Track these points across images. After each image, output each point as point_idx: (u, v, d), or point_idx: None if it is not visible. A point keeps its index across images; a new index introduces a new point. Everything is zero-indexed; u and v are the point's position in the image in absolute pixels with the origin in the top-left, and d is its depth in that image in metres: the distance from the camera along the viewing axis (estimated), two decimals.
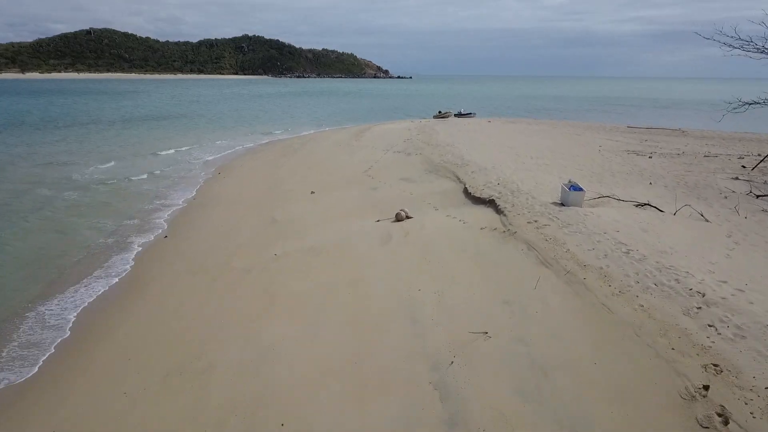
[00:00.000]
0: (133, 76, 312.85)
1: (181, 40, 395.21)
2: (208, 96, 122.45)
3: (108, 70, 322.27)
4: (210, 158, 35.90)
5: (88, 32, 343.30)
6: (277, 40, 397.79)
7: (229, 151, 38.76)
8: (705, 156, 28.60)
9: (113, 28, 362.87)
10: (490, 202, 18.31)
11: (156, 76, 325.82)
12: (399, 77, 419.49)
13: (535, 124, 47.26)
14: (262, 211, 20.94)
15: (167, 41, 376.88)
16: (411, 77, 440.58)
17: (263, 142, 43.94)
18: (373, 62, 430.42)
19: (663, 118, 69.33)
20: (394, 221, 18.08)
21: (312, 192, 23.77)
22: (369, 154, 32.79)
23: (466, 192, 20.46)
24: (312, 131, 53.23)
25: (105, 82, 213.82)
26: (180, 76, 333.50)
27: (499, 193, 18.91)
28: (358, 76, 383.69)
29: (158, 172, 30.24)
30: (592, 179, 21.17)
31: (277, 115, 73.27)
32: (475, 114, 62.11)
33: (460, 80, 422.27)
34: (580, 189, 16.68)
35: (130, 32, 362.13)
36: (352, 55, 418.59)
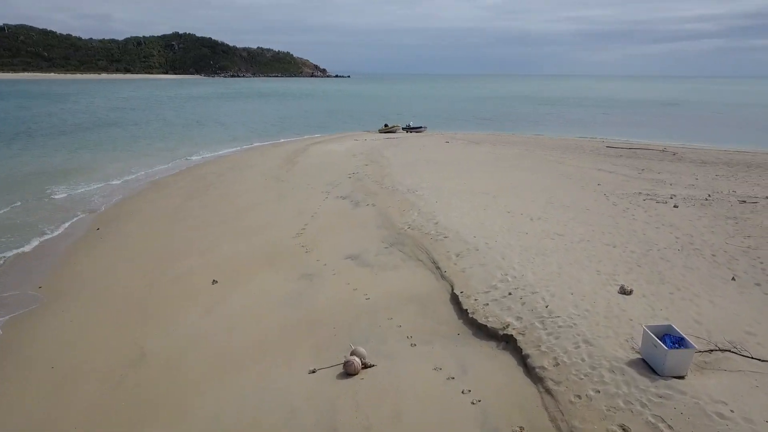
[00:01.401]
0: (52, 76, 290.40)
1: (110, 37, 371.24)
2: (135, 101, 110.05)
3: (24, 70, 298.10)
4: (98, 200, 26.83)
5: (1, 29, 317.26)
6: (210, 38, 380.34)
7: (135, 183, 29.53)
8: (741, 201, 22.02)
9: (35, 25, 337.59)
10: (507, 340, 10.68)
11: (78, 76, 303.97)
12: (337, 76, 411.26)
13: (503, 145, 40.24)
14: (127, 333, 12.64)
15: (90, 39, 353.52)
16: (349, 76, 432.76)
17: (173, 171, 34.63)
18: (311, 61, 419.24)
19: (624, 125, 64.27)
20: (342, 375, 10.31)
21: (214, 281, 15.56)
22: (304, 198, 24.69)
23: (454, 300, 12.76)
24: (238, 149, 44.39)
25: (19, 83, 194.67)
26: (105, 76, 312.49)
27: (518, 317, 11.28)
28: (295, 75, 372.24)
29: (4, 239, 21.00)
30: (641, 269, 13.87)
31: (208, 126, 63.55)
32: (425, 128, 54.80)
33: (400, 79, 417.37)
34: (680, 338, 9.19)
35: (50, 29, 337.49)
36: (288, 53, 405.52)
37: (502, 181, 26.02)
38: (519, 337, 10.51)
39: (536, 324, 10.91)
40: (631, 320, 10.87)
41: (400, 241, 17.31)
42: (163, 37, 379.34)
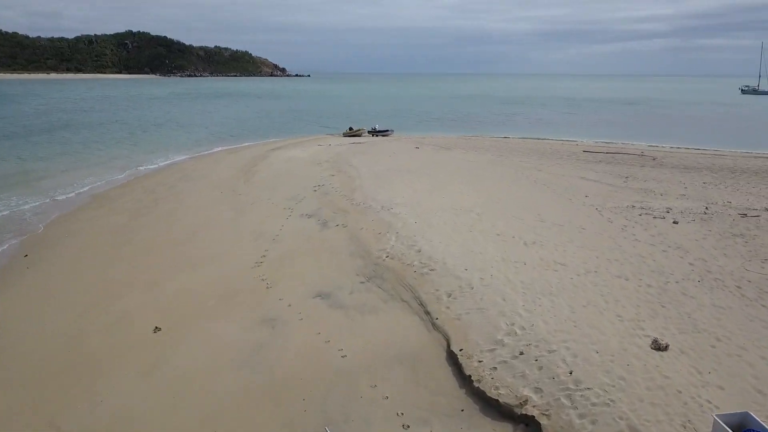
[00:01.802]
0: None
1: (60, 36, 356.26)
2: (88, 101, 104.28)
3: None
4: (33, 218, 23.50)
5: None
6: (165, 37, 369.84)
7: (78, 197, 26.23)
8: (741, 215, 20.37)
9: None
10: (526, 422, 8.36)
11: (26, 75, 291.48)
12: (297, 75, 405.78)
13: (476, 151, 38.16)
14: (42, 409, 9.97)
15: (39, 37, 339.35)
16: (309, 75, 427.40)
17: (122, 182, 31.25)
18: (270, 60, 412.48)
19: (591, 125, 63.29)
20: None
21: (157, 329, 12.89)
22: (264, 215, 22.04)
23: (452, 360, 10.42)
24: (195, 154, 41.23)
25: None
26: (54, 75, 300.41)
27: (537, 388, 9.01)
28: (254, 75, 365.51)
29: None
30: (667, 311, 11.81)
31: (165, 128, 59.68)
32: (392, 131, 52.49)
33: (360, 78, 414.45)
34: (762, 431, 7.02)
35: None
36: (246, 52, 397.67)
37: (483, 193, 23.84)
38: (543, 421, 8.21)
39: (562, 400, 8.63)
40: (680, 392, 8.71)
41: (379, 274, 14.88)
42: (116, 35, 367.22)
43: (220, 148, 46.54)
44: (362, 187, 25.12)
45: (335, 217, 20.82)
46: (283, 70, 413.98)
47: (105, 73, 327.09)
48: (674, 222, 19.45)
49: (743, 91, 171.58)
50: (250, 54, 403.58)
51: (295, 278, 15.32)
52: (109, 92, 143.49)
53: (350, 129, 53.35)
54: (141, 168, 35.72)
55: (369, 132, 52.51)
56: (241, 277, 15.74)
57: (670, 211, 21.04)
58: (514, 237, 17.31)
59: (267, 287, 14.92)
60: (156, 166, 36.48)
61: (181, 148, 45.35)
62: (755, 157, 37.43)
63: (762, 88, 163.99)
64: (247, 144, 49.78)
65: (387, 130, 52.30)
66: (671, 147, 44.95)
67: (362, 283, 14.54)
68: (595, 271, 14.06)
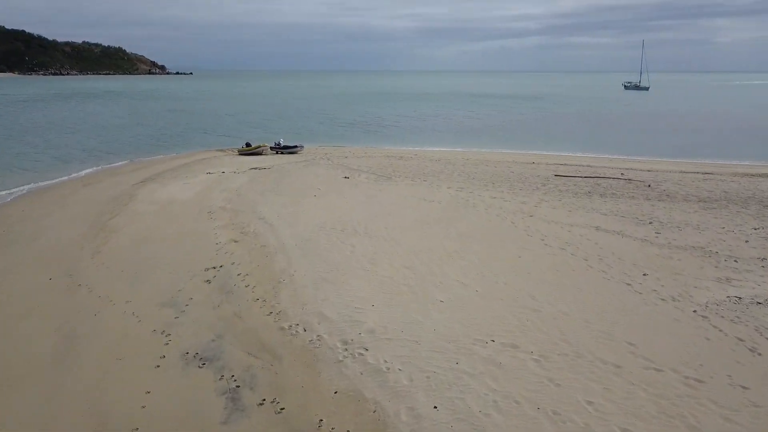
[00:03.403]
0: None
1: None
2: None
3: None
4: None
5: None
6: (23, 31, 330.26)
7: None
8: None
9: None
10: None
11: None
12: (178, 73, 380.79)
13: (426, 181, 28.81)
14: None
15: None
16: (191, 73, 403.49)
17: None
18: (147, 57, 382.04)
19: (519, 130, 56.86)
20: None
21: None
22: (114, 353, 11.57)
23: None
24: (31, 188, 28.88)
25: None
26: None
27: None
28: (130, 73, 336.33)
29: None
30: None
31: (12, 143, 45.24)
32: (301, 147, 42.23)
33: (245, 76, 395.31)
34: None
35: None
36: (120, 49, 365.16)
37: (486, 283, 14.55)
38: None
39: None
40: None
41: None
42: None
43: (74, 175, 34.62)
44: (291, 276, 15.00)
45: (253, 371, 10.71)
46: (162, 67, 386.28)
47: None
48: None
49: (626, 87, 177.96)
50: (125, 50, 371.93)
51: None
52: None
53: (247, 145, 42.44)
54: None
55: (272, 149, 41.93)
56: None
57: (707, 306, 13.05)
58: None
59: None
60: None
61: (16, 176, 32.90)
62: (751, 175, 31.34)
63: (643, 84, 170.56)
64: (114, 165, 37.84)
65: (295, 146, 41.96)
66: (638, 160, 38.64)
67: None
68: None
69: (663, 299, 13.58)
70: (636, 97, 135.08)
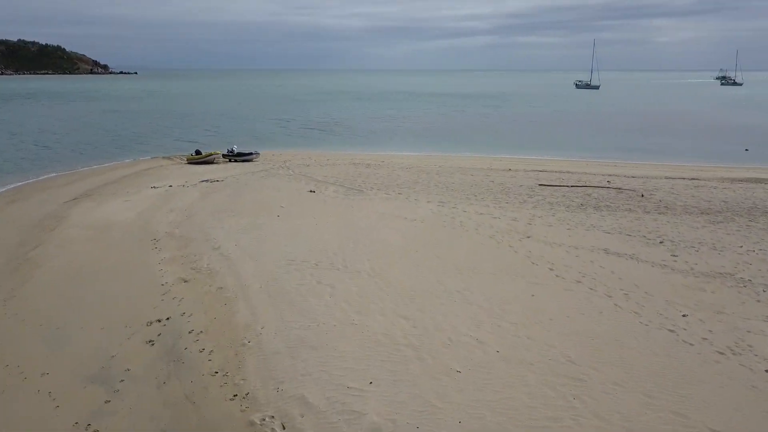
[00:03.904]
0: None
1: None
2: None
3: None
4: None
5: None
6: None
7: None
8: None
9: None
10: None
11: None
12: (122, 73, 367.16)
13: (400, 192, 25.91)
14: None
15: None
16: (136, 73, 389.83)
17: None
18: (88, 56, 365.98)
19: (484, 132, 54.81)
20: None
21: None
22: None
23: None
24: None
25: None
26: None
27: None
28: (70, 73, 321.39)
29: None
30: None
31: None
32: (257, 154, 38.69)
33: (193, 76, 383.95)
34: None
35: None
36: (59, 47, 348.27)
37: (506, 338, 11.74)
38: None
39: None
40: None
41: None
42: None
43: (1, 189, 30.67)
44: (259, 335, 11.78)
45: None
46: (105, 67, 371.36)
47: None
48: None
49: (577, 86, 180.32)
50: (64, 49, 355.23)
51: None
52: None
53: (197, 153, 38.66)
54: None
55: (224, 156, 38.28)
56: None
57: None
58: None
59: None
60: None
61: None
62: (736, 180, 29.74)
63: (594, 82, 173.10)
64: (43, 178, 33.64)
65: (250, 153, 38.39)
66: (614, 164, 36.89)
67: None
68: None
69: (721, 352, 11.08)
70: (589, 96, 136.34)
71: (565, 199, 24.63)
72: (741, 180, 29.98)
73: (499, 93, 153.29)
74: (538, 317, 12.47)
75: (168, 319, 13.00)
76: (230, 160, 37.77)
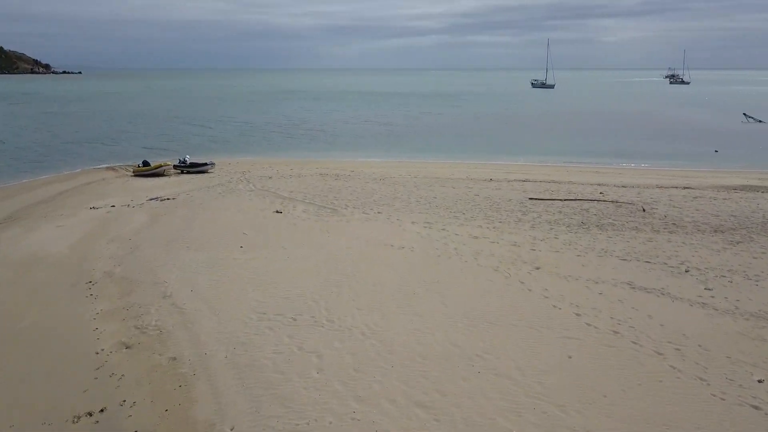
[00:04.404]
0: None
1: None
2: None
3: None
4: None
5: None
6: None
7: None
8: None
9: None
10: None
11: None
12: (65, 72, 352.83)
13: (380, 210, 22.90)
14: None
15: None
16: (80, 72, 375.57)
17: None
18: (28, 55, 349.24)
19: (446, 134, 52.48)
20: None
21: None
22: None
23: None
24: None
25: None
26: None
27: None
28: (8, 72, 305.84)
29: None
30: None
31: None
32: (212, 165, 35.02)
33: (140, 75, 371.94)
34: None
35: None
36: None
37: None
38: None
39: None
40: None
41: None
42: None
43: None
44: None
45: None
46: (46, 66, 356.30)
47: None
48: None
49: (533, 85, 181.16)
50: (1, 47, 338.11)
51: None
52: None
53: (144, 164, 34.75)
54: None
55: (176, 167, 34.53)
56: None
57: None
58: None
59: None
60: None
61: None
62: (730, 189, 28.01)
63: (549, 82, 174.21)
64: None
65: (204, 164, 34.73)
66: (596, 170, 34.90)
67: None
68: None
69: None
70: (545, 95, 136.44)
71: (563, 216, 22.18)
72: (736, 188, 28.28)
73: (456, 92, 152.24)
74: (589, 395, 9.76)
75: (102, 411, 9.72)
76: (182, 172, 34.08)
